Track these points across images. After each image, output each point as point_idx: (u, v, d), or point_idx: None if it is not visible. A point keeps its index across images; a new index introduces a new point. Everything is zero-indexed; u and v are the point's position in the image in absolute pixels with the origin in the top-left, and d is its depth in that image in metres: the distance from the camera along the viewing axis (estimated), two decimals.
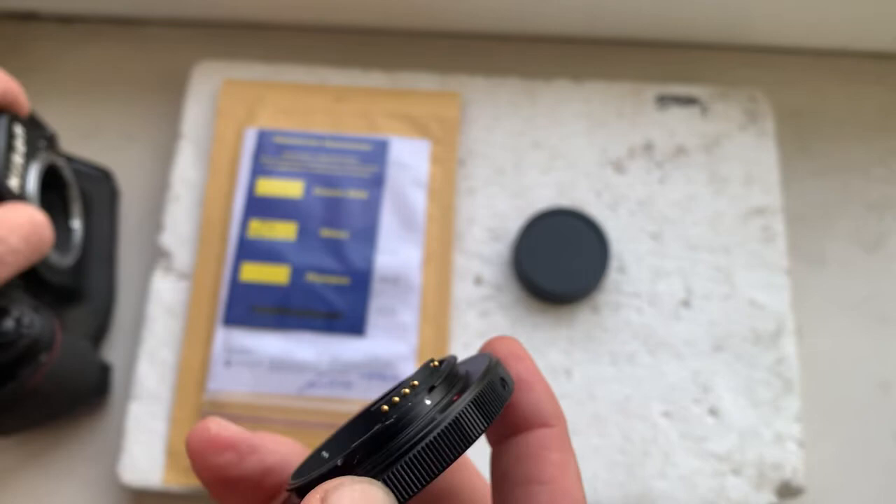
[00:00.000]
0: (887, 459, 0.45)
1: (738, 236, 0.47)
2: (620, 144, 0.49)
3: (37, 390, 0.37)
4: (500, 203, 0.48)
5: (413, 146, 0.48)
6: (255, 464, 0.22)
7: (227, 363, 0.43)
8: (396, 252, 0.45)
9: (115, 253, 0.48)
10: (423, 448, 0.17)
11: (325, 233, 0.45)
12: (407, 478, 0.17)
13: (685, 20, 0.51)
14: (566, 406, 0.25)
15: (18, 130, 0.37)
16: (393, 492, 0.17)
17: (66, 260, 0.42)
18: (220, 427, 0.22)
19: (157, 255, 0.46)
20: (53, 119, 0.43)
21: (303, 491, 0.19)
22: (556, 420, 0.21)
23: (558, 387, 0.44)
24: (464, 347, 0.45)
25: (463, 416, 0.18)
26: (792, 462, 0.42)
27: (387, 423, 0.18)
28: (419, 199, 0.46)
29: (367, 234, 0.45)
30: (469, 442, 0.18)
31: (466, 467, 0.24)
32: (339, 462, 0.18)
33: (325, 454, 0.22)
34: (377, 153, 0.47)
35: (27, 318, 0.36)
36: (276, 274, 0.44)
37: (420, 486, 0.17)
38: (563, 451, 0.21)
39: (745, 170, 0.48)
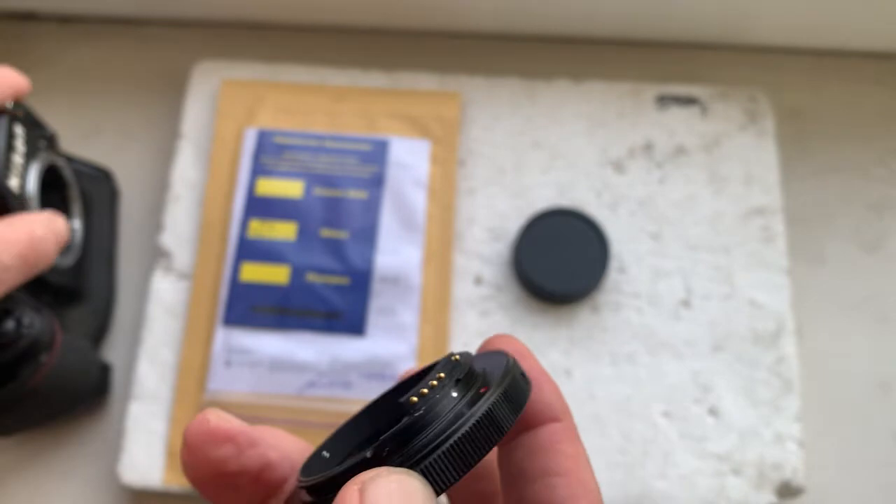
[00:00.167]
0: (887, 459, 0.45)
1: (738, 236, 0.47)
2: (620, 144, 0.49)
3: (37, 390, 0.37)
4: (500, 203, 0.48)
5: (413, 146, 0.48)
6: (254, 458, 0.22)
7: (227, 363, 0.43)
8: (396, 252, 0.45)
9: (115, 253, 0.48)
10: (459, 439, 0.18)
11: (325, 233, 0.45)
12: (444, 469, 0.18)
13: (685, 20, 0.51)
14: None
15: (18, 130, 0.37)
16: (430, 483, 0.17)
17: (66, 260, 0.42)
18: (219, 419, 0.21)
19: (157, 255, 0.46)
20: (53, 119, 0.43)
21: (323, 487, 0.19)
22: (564, 414, 0.22)
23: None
24: (464, 347, 0.45)
25: (496, 407, 0.18)
26: (792, 462, 0.42)
27: (416, 414, 0.18)
28: (419, 199, 0.46)
29: (367, 234, 0.45)
30: (502, 433, 0.18)
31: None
32: (368, 454, 0.18)
33: (325, 454, 0.22)
34: (377, 153, 0.47)
35: (27, 318, 0.36)
36: (276, 274, 0.44)
37: (457, 478, 0.18)
38: (574, 443, 0.21)
39: (744, 170, 0.48)
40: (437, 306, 0.45)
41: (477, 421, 0.18)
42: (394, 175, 0.47)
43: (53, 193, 0.42)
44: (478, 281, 0.46)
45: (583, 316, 0.45)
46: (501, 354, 0.21)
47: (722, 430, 0.43)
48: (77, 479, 0.44)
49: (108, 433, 0.44)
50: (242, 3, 0.52)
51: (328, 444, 0.22)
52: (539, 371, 0.22)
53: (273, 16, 0.53)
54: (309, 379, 0.43)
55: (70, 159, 0.45)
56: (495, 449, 0.22)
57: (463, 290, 0.46)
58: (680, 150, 0.49)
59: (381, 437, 0.18)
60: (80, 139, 0.50)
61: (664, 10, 0.50)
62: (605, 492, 0.42)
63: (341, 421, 0.23)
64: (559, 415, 0.22)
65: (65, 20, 0.55)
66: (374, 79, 0.50)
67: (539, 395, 0.22)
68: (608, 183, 0.48)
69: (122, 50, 0.54)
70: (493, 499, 0.23)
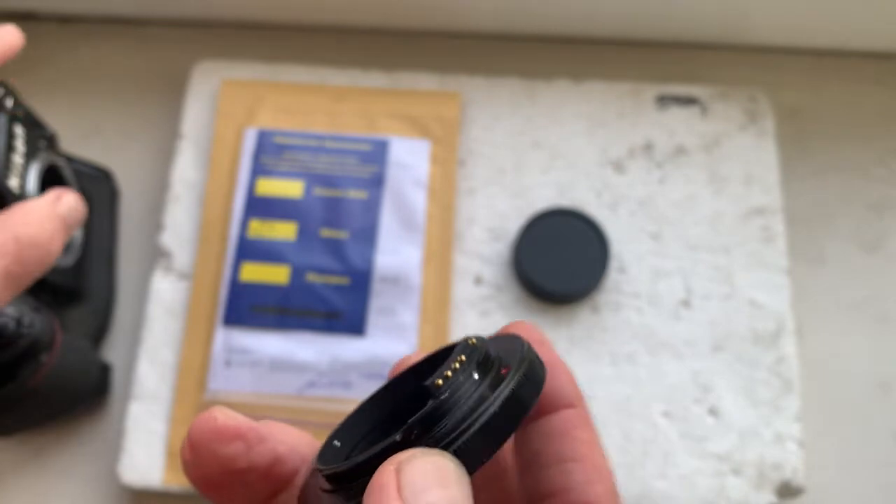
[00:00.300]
0: (887, 459, 0.45)
1: (738, 236, 0.47)
2: (620, 144, 0.49)
3: (37, 390, 0.37)
4: (500, 203, 0.48)
5: (413, 146, 0.48)
6: (264, 453, 0.21)
7: (227, 363, 0.43)
8: (396, 252, 0.45)
9: (115, 253, 0.48)
10: (488, 419, 0.18)
11: (325, 233, 0.45)
12: (475, 449, 0.18)
13: (685, 20, 0.51)
14: None
15: (18, 130, 0.37)
16: (463, 464, 0.18)
17: (66, 260, 0.42)
18: (227, 417, 0.21)
19: (157, 255, 0.46)
20: (53, 119, 0.43)
21: (348, 474, 0.18)
22: (578, 401, 0.22)
23: None
24: None
25: (520, 387, 0.19)
26: (792, 462, 0.42)
27: (442, 397, 0.18)
28: (419, 199, 0.46)
29: (367, 234, 0.45)
30: (526, 412, 0.19)
31: None
32: (398, 437, 0.18)
33: (336, 443, 0.22)
34: (377, 153, 0.47)
35: (27, 318, 0.36)
36: (276, 274, 0.44)
37: (488, 457, 0.18)
38: (589, 429, 0.22)
39: (744, 170, 0.48)
40: (437, 306, 0.45)
41: (504, 401, 0.18)
42: (394, 175, 0.47)
43: None
44: (478, 281, 0.46)
45: (583, 316, 0.45)
46: (516, 338, 0.22)
47: (722, 430, 0.43)
48: (77, 479, 0.44)
49: (108, 433, 0.44)
50: (242, 3, 0.52)
51: (338, 434, 0.22)
52: (555, 358, 0.23)
53: (273, 16, 0.53)
54: (309, 379, 0.43)
55: (70, 159, 0.45)
56: None
57: (463, 290, 0.46)
58: (680, 150, 0.49)
59: (409, 421, 0.18)
60: (80, 139, 0.50)
61: (664, 10, 0.50)
62: None
63: (341, 421, 0.23)
64: (574, 401, 0.22)
65: (65, 20, 0.55)
66: (374, 79, 0.50)
67: (554, 382, 0.22)
68: (608, 183, 0.48)
69: (122, 50, 0.54)
70: (503, 476, 0.23)
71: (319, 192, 0.46)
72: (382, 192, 0.46)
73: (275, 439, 0.21)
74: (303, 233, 0.45)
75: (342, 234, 0.45)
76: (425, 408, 0.18)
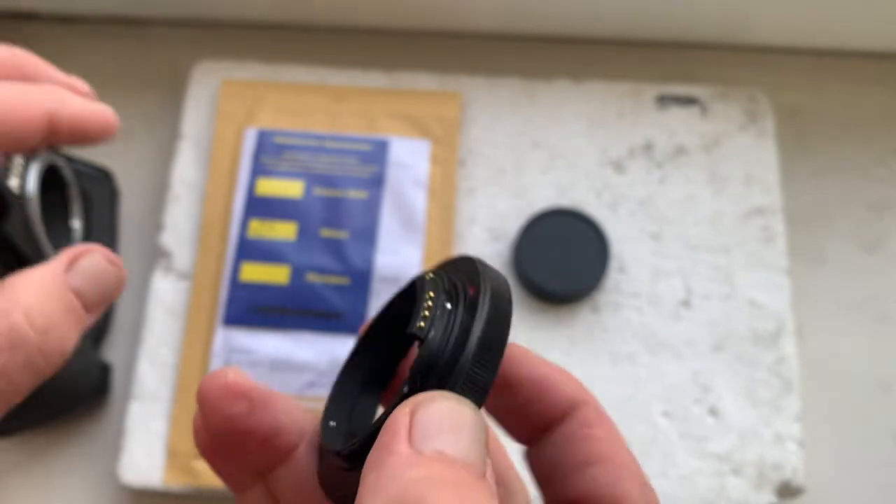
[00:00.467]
0: (887, 459, 0.45)
1: (738, 236, 0.47)
2: (620, 144, 0.49)
3: (37, 390, 0.37)
4: (500, 203, 0.48)
5: (413, 146, 0.48)
6: (267, 419, 0.21)
7: (227, 363, 0.43)
8: (396, 252, 0.45)
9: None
10: (480, 341, 0.18)
11: (325, 233, 0.45)
12: (479, 376, 0.18)
13: (685, 20, 0.51)
14: None
15: None
16: (474, 392, 0.18)
17: None
18: (236, 375, 0.21)
19: (157, 255, 0.46)
20: None
21: (365, 449, 0.18)
22: (586, 396, 0.21)
23: None
24: None
25: (495, 300, 0.19)
26: (792, 462, 0.42)
27: (430, 336, 0.18)
28: (419, 199, 0.46)
29: (367, 234, 0.45)
30: (510, 321, 0.19)
31: None
32: (405, 390, 0.18)
33: (332, 423, 0.22)
34: (377, 153, 0.47)
35: None
36: (276, 274, 0.44)
37: (490, 380, 0.18)
38: (605, 424, 0.21)
39: (744, 170, 0.48)
40: None
41: (487, 318, 0.18)
42: (394, 175, 0.47)
43: (53, 193, 0.42)
44: None
45: (583, 316, 0.45)
46: (464, 259, 0.21)
47: (722, 430, 0.43)
48: (77, 479, 0.44)
49: (108, 433, 0.44)
50: (242, 3, 0.52)
51: (329, 415, 0.22)
52: (552, 367, 0.22)
53: (273, 16, 0.53)
54: (309, 379, 0.43)
55: (70, 159, 0.45)
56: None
57: None
58: (680, 150, 0.49)
59: (410, 371, 0.18)
60: None
61: (664, 10, 0.50)
62: None
63: (325, 403, 0.23)
64: (581, 398, 0.21)
65: (65, 20, 0.55)
66: (374, 79, 0.50)
67: (556, 389, 0.21)
68: (608, 183, 0.48)
69: (122, 50, 0.54)
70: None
71: (319, 192, 0.46)
72: (382, 192, 0.46)
73: (278, 408, 0.21)
74: (303, 233, 0.45)
75: (342, 234, 0.45)
76: (419, 355, 0.18)
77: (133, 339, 0.46)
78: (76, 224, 0.44)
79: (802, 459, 0.42)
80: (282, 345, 0.43)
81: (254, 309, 0.44)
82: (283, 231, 0.45)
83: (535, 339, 0.45)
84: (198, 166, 0.48)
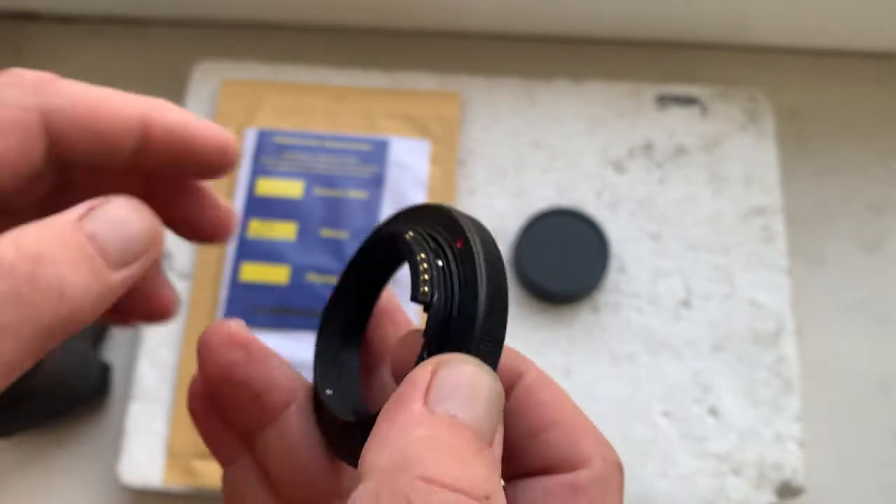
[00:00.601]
0: (887, 459, 0.45)
1: (738, 236, 0.47)
2: (620, 144, 0.49)
3: (37, 390, 0.37)
4: (500, 203, 0.48)
5: (413, 146, 0.48)
6: (261, 371, 0.22)
7: None
8: None
9: None
10: (488, 292, 0.18)
11: (325, 233, 0.45)
12: (493, 327, 0.18)
13: (685, 20, 0.51)
14: None
15: None
16: (494, 351, 0.18)
17: None
18: (238, 325, 0.22)
19: None
20: None
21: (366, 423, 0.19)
22: (525, 364, 0.21)
23: None
24: None
25: (487, 248, 0.19)
26: (792, 462, 0.42)
27: (435, 299, 0.18)
28: (419, 199, 0.46)
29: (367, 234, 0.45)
30: (503, 265, 0.19)
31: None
32: (424, 355, 0.18)
33: (329, 392, 0.22)
34: (377, 153, 0.47)
35: None
36: (276, 274, 0.44)
37: (504, 327, 0.18)
38: (550, 388, 0.20)
39: (745, 170, 0.48)
40: None
41: (488, 270, 0.18)
42: (394, 175, 0.47)
43: None
44: None
45: (583, 316, 0.45)
46: (432, 209, 0.21)
47: (722, 430, 0.43)
48: (77, 479, 0.44)
49: (108, 433, 0.44)
50: (242, 3, 0.52)
51: (323, 385, 0.22)
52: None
53: (273, 16, 0.53)
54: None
55: None
56: None
57: None
58: (680, 150, 0.49)
59: (425, 338, 0.18)
60: None
61: (664, 10, 0.50)
62: None
63: (314, 373, 0.23)
64: (521, 370, 0.20)
65: (65, 20, 0.55)
66: (374, 79, 0.50)
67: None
68: (608, 183, 0.48)
69: (122, 50, 0.54)
70: None
71: (319, 192, 0.46)
72: (382, 192, 0.46)
73: (272, 363, 0.22)
74: (303, 233, 0.45)
75: (342, 234, 0.45)
76: (429, 322, 0.18)
77: (133, 339, 0.46)
78: None
79: (802, 459, 0.42)
80: (282, 345, 0.43)
81: (254, 309, 0.44)
82: (283, 231, 0.45)
83: (535, 339, 0.45)
84: None
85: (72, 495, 0.43)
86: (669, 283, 0.46)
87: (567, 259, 0.45)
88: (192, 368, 0.44)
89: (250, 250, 0.45)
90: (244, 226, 0.46)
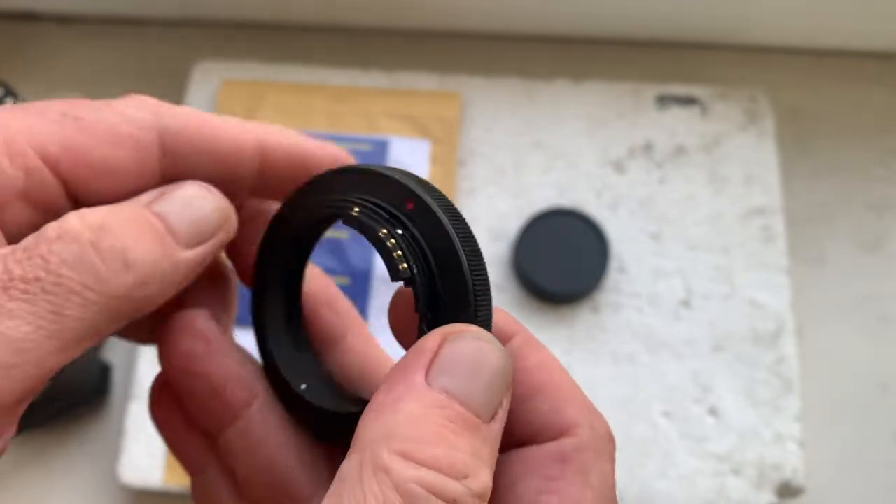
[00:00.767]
0: (887, 459, 0.45)
1: (738, 236, 0.47)
2: (620, 144, 0.49)
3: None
4: (500, 203, 0.48)
5: (413, 146, 0.48)
6: (222, 365, 0.21)
7: None
8: None
9: None
10: (464, 244, 0.18)
11: (325, 233, 0.45)
12: (477, 273, 0.18)
13: (685, 20, 0.51)
14: None
15: None
16: (488, 302, 0.18)
17: None
18: (204, 318, 0.22)
19: None
20: None
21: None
22: (515, 327, 0.20)
23: None
24: None
25: (439, 198, 0.19)
26: (792, 462, 0.42)
27: (414, 274, 0.18)
28: None
29: None
30: (454, 205, 0.19)
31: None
32: (424, 328, 0.18)
33: (304, 386, 0.22)
34: (377, 153, 0.47)
35: None
36: None
37: (485, 269, 0.19)
38: (539, 352, 0.20)
39: (745, 170, 0.48)
40: None
41: (453, 224, 0.18)
42: None
43: None
44: None
45: (583, 316, 0.45)
46: (357, 174, 0.20)
47: (722, 430, 0.43)
48: (77, 479, 0.44)
49: (108, 433, 0.44)
50: (242, 3, 0.52)
51: (294, 378, 0.22)
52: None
53: (273, 16, 0.53)
54: None
55: None
56: None
57: None
58: (680, 150, 0.49)
59: (419, 313, 0.18)
60: None
61: (664, 10, 0.50)
62: None
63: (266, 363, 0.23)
64: (510, 332, 0.20)
65: (65, 20, 0.55)
66: (374, 79, 0.50)
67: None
68: (608, 183, 0.48)
69: (121, 50, 0.54)
70: None
71: None
72: None
73: (233, 359, 0.22)
74: None
75: (342, 234, 0.45)
76: (417, 294, 0.18)
77: None
78: None
79: (802, 459, 0.42)
80: None
81: None
82: None
83: None
84: None
85: (72, 495, 0.43)
86: (669, 283, 0.46)
87: (567, 259, 0.45)
88: None
89: None
90: None
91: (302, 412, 0.21)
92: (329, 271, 0.44)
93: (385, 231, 0.19)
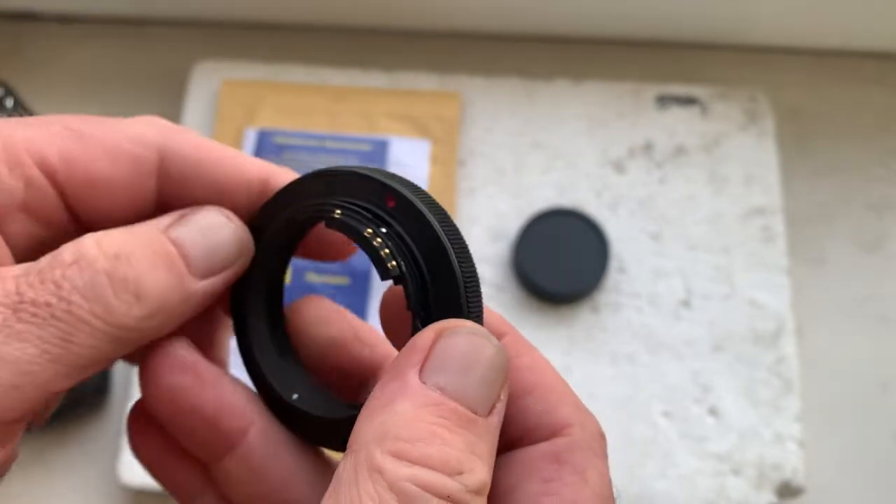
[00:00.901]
0: (887, 459, 0.45)
1: (738, 236, 0.47)
2: (620, 144, 0.49)
3: None
4: (500, 203, 0.48)
5: (413, 146, 0.48)
6: (213, 396, 0.20)
7: (226, 364, 0.43)
8: None
9: None
10: (448, 235, 0.18)
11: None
12: (469, 268, 0.18)
13: (685, 20, 0.51)
14: None
15: None
16: (478, 293, 0.18)
17: None
18: (185, 349, 0.20)
19: None
20: None
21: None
22: (505, 327, 0.20)
23: None
24: None
25: (421, 196, 0.19)
26: (792, 462, 0.42)
27: (402, 271, 0.18)
28: None
29: None
30: (435, 200, 0.19)
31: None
32: (418, 324, 0.18)
33: (296, 396, 0.21)
34: (377, 153, 0.47)
35: None
36: None
37: (473, 264, 0.19)
38: (529, 353, 0.20)
39: (745, 170, 0.48)
40: None
41: (437, 217, 0.18)
42: None
43: None
44: None
45: (583, 316, 0.45)
46: (331, 176, 0.20)
47: (722, 430, 0.43)
48: (77, 479, 0.44)
49: (108, 433, 0.44)
50: (242, 3, 0.52)
51: (284, 389, 0.21)
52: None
53: (273, 16, 0.53)
54: None
55: None
56: None
57: None
58: (680, 150, 0.49)
59: (412, 310, 0.18)
60: None
61: (664, 10, 0.50)
62: None
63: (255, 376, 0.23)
64: (501, 332, 0.20)
65: (65, 20, 0.55)
66: (374, 79, 0.50)
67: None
68: (608, 183, 0.48)
69: (122, 50, 0.54)
70: None
71: None
72: None
73: (225, 388, 0.20)
74: None
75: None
76: (408, 291, 0.18)
77: None
78: None
79: (802, 459, 0.42)
80: None
81: None
82: None
83: (535, 339, 0.44)
84: None
85: (72, 495, 0.43)
86: (669, 283, 0.46)
87: (567, 259, 0.45)
88: None
89: None
90: None
91: (297, 423, 0.21)
92: (329, 271, 0.44)
93: (370, 231, 0.18)
